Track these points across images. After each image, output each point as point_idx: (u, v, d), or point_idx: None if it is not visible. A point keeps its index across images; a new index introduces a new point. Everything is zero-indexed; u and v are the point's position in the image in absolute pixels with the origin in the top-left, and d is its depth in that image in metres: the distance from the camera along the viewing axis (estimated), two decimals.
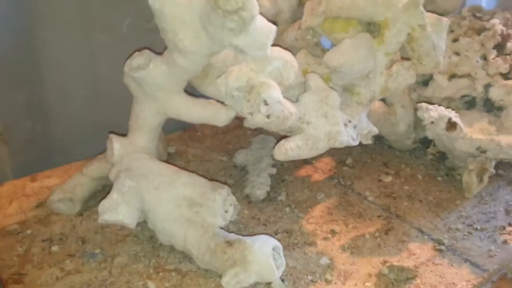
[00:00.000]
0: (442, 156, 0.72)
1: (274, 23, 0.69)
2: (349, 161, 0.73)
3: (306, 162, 0.73)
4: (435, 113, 0.60)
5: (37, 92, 0.68)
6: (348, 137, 0.53)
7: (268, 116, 0.48)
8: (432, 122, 0.60)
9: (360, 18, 0.57)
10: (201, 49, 0.47)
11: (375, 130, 0.61)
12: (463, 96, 0.71)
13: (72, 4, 0.66)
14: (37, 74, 0.67)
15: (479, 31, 0.69)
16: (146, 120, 0.54)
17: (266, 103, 0.47)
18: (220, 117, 0.53)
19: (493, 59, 0.68)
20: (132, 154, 0.53)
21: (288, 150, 0.50)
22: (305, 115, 0.52)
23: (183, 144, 0.77)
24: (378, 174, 0.70)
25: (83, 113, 0.73)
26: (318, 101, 0.54)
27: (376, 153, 0.76)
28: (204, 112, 0.53)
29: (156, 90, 0.52)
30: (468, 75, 0.69)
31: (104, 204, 0.48)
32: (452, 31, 0.71)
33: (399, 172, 0.71)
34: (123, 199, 0.48)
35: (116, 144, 0.54)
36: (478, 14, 0.73)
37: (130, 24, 0.71)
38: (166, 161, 0.58)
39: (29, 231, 0.57)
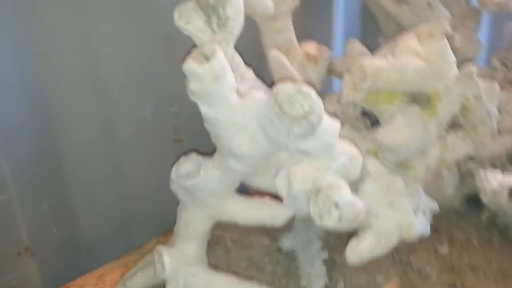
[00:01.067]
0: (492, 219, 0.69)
1: None
2: None
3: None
4: (495, 182, 0.57)
5: (61, 196, 0.63)
6: (421, 225, 0.49)
7: (340, 219, 0.44)
8: (494, 194, 0.57)
9: (408, 91, 0.55)
10: (259, 153, 0.43)
11: (436, 207, 0.57)
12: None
13: (92, 97, 0.62)
14: (60, 179, 0.62)
15: None
16: (197, 227, 0.50)
17: (337, 206, 0.43)
18: (279, 217, 0.49)
19: None
20: (188, 268, 0.49)
21: (362, 252, 0.46)
22: (371, 207, 0.48)
23: (218, 228, 0.73)
24: (432, 243, 0.66)
25: (109, 211, 0.68)
26: (382, 190, 0.50)
27: None
28: (261, 214, 0.49)
29: (208, 196, 0.48)
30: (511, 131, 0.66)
31: None
32: None
33: (453, 239, 0.67)
34: None
35: (167, 258, 0.49)
36: (509, 64, 0.71)
37: (153, 109, 0.67)
38: None
39: None
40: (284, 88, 0.39)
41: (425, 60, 0.53)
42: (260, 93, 0.42)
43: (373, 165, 0.51)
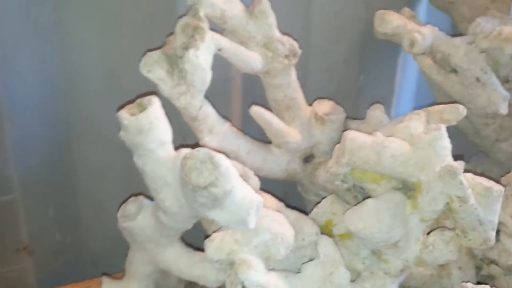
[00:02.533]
0: None
1: (310, 156, 0.64)
2: None
3: None
4: None
5: (69, 204, 0.68)
6: None
7: None
8: None
9: (391, 175, 0.49)
10: (182, 211, 0.43)
11: None
12: None
13: (108, 116, 0.66)
14: (70, 187, 0.68)
15: None
16: (138, 268, 0.51)
17: (243, 286, 0.41)
18: (209, 278, 0.47)
19: None
20: None
21: None
22: None
23: None
24: None
25: (116, 224, 0.72)
26: (322, 277, 0.45)
27: None
28: (193, 271, 0.48)
29: (145, 241, 0.48)
30: None
31: None
32: None
33: None
34: None
35: None
36: None
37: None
38: None
39: None
40: (195, 154, 0.38)
41: (414, 147, 0.47)
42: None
43: (325, 248, 0.47)
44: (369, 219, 0.46)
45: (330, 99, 0.73)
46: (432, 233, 0.48)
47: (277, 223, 0.43)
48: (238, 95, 0.72)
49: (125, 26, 0.61)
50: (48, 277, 0.69)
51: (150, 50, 0.47)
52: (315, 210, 0.54)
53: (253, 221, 0.40)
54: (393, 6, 0.72)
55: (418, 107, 0.75)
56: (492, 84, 0.61)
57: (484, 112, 0.63)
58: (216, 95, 0.65)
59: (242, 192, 0.39)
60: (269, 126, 0.55)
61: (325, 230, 0.53)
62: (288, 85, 0.56)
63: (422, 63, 0.63)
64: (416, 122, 0.51)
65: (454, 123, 0.53)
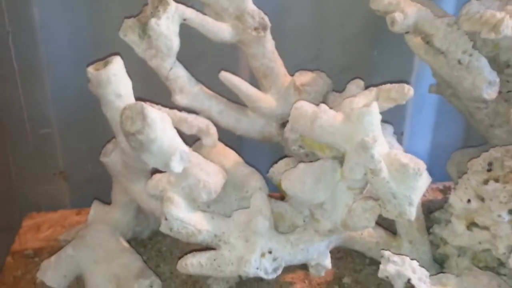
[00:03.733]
0: None
1: (287, 122, 0.69)
2: (346, 279, 0.67)
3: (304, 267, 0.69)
4: (393, 268, 0.50)
5: (100, 140, 0.81)
6: (257, 269, 0.50)
7: (170, 230, 0.50)
8: (386, 277, 0.51)
9: (324, 142, 0.53)
10: (133, 151, 0.52)
11: (328, 265, 0.55)
12: (487, 250, 0.57)
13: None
14: (101, 125, 0.80)
15: None
16: (118, 197, 0.62)
17: (165, 218, 0.49)
18: (159, 210, 0.56)
19: None
20: (96, 224, 0.62)
21: (188, 265, 0.51)
22: (224, 233, 0.52)
23: None
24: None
25: None
26: (245, 222, 0.53)
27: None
28: (151, 203, 0.57)
29: (118, 175, 0.59)
30: (488, 229, 0.55)
31: (43, 264, 0.57)
32: (489, 170, 0.58)
33: None
34: (55, 264, 0.56)
35: (92, 210, 0.63)
36: None
37: None
38: None
39: (36, 259, 0.71)
40: (132, 105, 0.47)
41: (346, 119, 0.51)
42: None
43: (255, 200, 0.53)
44: (294, 180, 0.52)
45: (345, 71, 0.77)
46: (357, 201, 0.52)
47: (205, 172, 0.51)
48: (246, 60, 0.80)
49: None
50: (80, 199, 0.84)
51: (128, 18, 0.56)
52: (271, 169, 0.61)
53: (177, 166, 0.48)
54: None
55: None
56: (478, 68, 0.60)
57: (471, 95, 0.63)
58: (225, 61, 0.73)
59: (169, 141, 0.48)
60: (238, 90, 0.61)
61: (279, 188, 0.60)
62: (263, 55, 0.61)
63: (410, 43, 0.64)
64: (362, 98, 0.55)
65: (402, 102, 0.55)
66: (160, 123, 0.47)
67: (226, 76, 0.60)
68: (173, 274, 0.66)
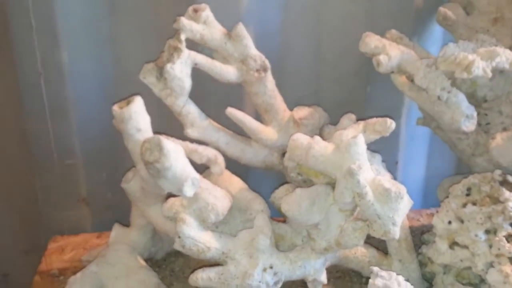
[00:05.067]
0: None
1: (285, 153, 0.77)
2: None
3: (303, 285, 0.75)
4: (381, 282, 0.57)
5: (118, 170, 0.89)
6: (260, 282, 0.57)
7: (182, 247, 0.57)
8: None
9: (318, 171, 0.60)
10: (151, 179, 0.60)
11: (323, 280, 0.62)
12: (468, 268, 0.62)
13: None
14: (120, 157, 0.88)
15: (495, 202, 0.61)
16: (136, 220, 0.69)
17: (179, 237, 0.57)
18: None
19: (502, 236, 0.59)
20: (117, 244, 0.69)
21: (199, 279, 0.57)
22: (230, 251, 0.59)
23: None
24: None
25: None
26: (249, 241, 0.59)
27: None
28: (166, 225, 0.65)
29: (136, 200, 0.67)
30: (467, 248, 0.61)
31: (70, 279, 0.64)
32: (468, 195, 0.64)
33: None
34: (80, 279, 0.63)
35: (113, 232, 0.70)
36: (511, 180, 0.64)
37: None
38: None
39: (61, 278, 0.78)
40: (150, 139, 0.55)
41: (336, 150, 0.58)
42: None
43: (258, 220, 0.60)
44: (292, 203, 0.59)
45: (341, 106, 0.85)
46: (347, 221, 0.59)
47: (213, 196, 0.58)
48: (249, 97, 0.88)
49: (163, 37, 0.79)
50: (100, 224, 0.92)
51: (148, 62, 0.64)
52: (273, 194, 0.68)
53: (189, 191, 0.55)
54: (399, 27, 0.80)
55: None
56: (456, 103, 0.68)
57: (451, 128, 0.70)
58: (231, 99, 0.81)
59: (181, 169, 0.55)
60: (243, 124, 0.69)
61: (280, 211, 0.67)
62: (264, 93, 0.69)
63: (395, 81, 0.71)
64: (351, 130, 0.62)
65: (385, 134, 0.62)
66: (174, 154, 0.54)
67: (231, 112, 0.68)
68: None
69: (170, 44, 0.62)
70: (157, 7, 0.78)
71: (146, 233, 0.71)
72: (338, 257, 0.66)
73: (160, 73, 0.63)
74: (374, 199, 0.55)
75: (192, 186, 0.56)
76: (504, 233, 0.59)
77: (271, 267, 0.58)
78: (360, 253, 0.68)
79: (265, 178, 0.87)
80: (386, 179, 0.57)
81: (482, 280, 0.62)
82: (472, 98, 0.72)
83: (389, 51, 0.69)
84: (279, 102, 0.72)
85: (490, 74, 0.63)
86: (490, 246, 0.60)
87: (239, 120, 0.68)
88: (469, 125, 0.69)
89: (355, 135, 0.57)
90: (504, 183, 0.64)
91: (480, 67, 0.63)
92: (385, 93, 0.89)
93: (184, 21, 0.62)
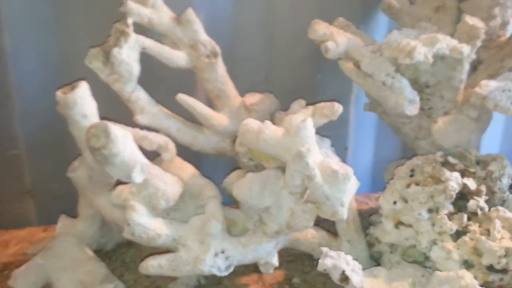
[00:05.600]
0: None
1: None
2: (295, 280, 0.74)
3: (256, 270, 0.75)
4: (330, 261, 0.58)
5: (64, 161, 0.85)
6: (211, 267, 0.57)
7: (132, 234, 0.56)
8: (324, 270, 0.58)
9: (269, 154, 0.61)
10: (98, 166, 0.58)
11: (274, 263, 0.63)
12: (413, 246, 0.65)
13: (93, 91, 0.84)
14: (66, 146, 0.85)
15: (436, 182, 0.64)
16: (83, 210, 0.68)
17: (128, 224, 0.56)
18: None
19: (443, 214, 0.62)
20: (63, 235, 0.67)
21: (149, 266, 0.57)
22: (181, 237, 0.58)
23: None
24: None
25: None
26: (200, 227, 0.59)
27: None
28: (115, 214, 0.63)
29: (83, 189, 0.65)
30: (411, 226, 0.64)
31: (14, 272, 0.62)
32: (411, 176, 0.67)
33: None
34: (25, 272, 0.61)
35: (59, 224, 0.68)
36: (452, 161, 0.67)
37: None
38: None
39: (6, 272, 0.75)
40: (99, 124, 0.54)
41: (286, 134, 0.59)
42: None
43: (209, 206, 0.60)
44: (243, 188, 0.59)
45: (292, 92, 0.86)
46: (297, 204, 0.60)
47: (163, 182, 0.58)
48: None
49: (109, 20, 0.77)
50: (47, 217, 0.88)
51: (93, 47, 0.63)
52: (225, 180, 0.68)
53: (138, 177, 0.55)
54: (346, 15, 0.82)
55: None
56: (399, 88, 0.70)
57: (395, 112, 0.72)
58: (182, 84, 0.81)
59: (130, 155, 0.54)
60: (193, 110, 0.68)
61: (232, 196, 0.67)
62: (215, 79, 0.69)
63: (343, 67, 0.73)
64: (300, 115, 0.63)
65: (333, 118, 0.64)
66: (122, 139, 0.53)
67: (182, 98, 0.67)
68: (136, 282, 0.71)
69: (116, 28, 0.60)
70: None
71: (94, 224, 0.69)
72: (289, 240, 0.67)
73: (107, 57, 0.62)
74: (322, 181, 0.56)
75: (141, 172, 0.55)
76: (445, 211, 0.62)
77: (222, 252, 0.59)
78: (310, 236, 0.69)
79: (218, 165, 0.87)
80: (333, 161, 0.58)
81: (427, 258, 0.65)
82: (415, 84, 0.74)
83: (336, 38, 0.71)
84: (230, 88, 0.71)
85: (431, 60, 0.66)
86: (433, 224, 0.62)
87: (190, 106, 0.68)
88: (412, 109, 0.71)
89: (304, 119, 0.58)
90: (445, 164, 0.67)
91: (422, 53, 0.65)
92: (335, 80, 0.91)
93: (131, 4, 0.61)
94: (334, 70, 0.91)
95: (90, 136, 0.53)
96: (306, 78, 0.91)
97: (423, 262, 0.66)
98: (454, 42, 0.68)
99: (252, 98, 0.74)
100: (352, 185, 0.58)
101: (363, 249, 0.70)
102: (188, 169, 0.67)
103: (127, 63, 0.61)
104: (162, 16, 0.64)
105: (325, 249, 0.60)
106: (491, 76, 0.77)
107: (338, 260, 0.58)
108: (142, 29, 0.65)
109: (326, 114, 0.62)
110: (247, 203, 0.60)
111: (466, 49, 0.68)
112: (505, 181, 0.68)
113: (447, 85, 0.74)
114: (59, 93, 0.57)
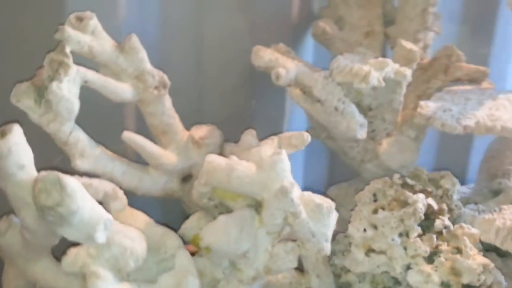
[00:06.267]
0: None
1: (189, 176, 0.69)
2: None
3: None
4: None
5: None
6: None
7: None
8: None
9: (241, 193, 0.55)
10: (41, 228, 0.47)
11: None
12: (385, 273, 0.64)
13: None
14: None
15: (403, 205, 0.64)
16: (11, 282, 0.55)
17: None
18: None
19: (415, 238, 0.62)
20: None
21: None
22: None
23: None
24: None
25: None
26: (174, 285, 0.51)
27: None
28: (59, 282, 0.52)
29: (14, 257, 0.53)
30: (385, 253, 0.63)
31: None
32: (375, 201, 0.66)
33: None
34: None
35: None
36: (410, 182, 0.68)
37: None
38: None
39: None
40: (45, 176, 0.43)
41: (259, 168, 0.54)
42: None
43: (179, 260, 0.53)
44: (218, 233, 0.53)
45: (226, 122, 0.81)
46: (277, 245, 0.55)
47: (128, 238, 0.49)
48: (132, 119, 0.78)
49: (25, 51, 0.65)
50: None
51: (20, 82, 0.52)
52: (183, 226, 0.60)
53: (102, 236, 0.45)
54: (277, 39, 0.80)
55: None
56: (350, 113, 0.70)
57: (346, 136, 0.72)
58: (110, 120, 0.71)
59: (90, 211, 0.45)
60: (142, 149, 0.60)
61: (194, 244, 0.59)
62: (162, 112, 0.62)
63: (291, 94, 0.71)
64: (267, 147, 0.59)
65: (301, 148, 0.61)
66: (80, 192, 0.44)
67: (129, 136, 0.59)
68: None
69: (52, 58, 0.50)
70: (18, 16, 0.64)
71: None
72: (262, 285, 0.61)
73: (39, 94, 0.51)
74: (307, 217, 0.52)
75: (105, 231, 0.45)
76: (415, 234, 0.62)
77: None
78: (280, 276, 0.64)
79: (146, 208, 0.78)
80: (313, 194, 0.54)
81: (397, 282, 0.64)
82: (359, 107, 0.74)
83: (286, 64, 0.68)
84: (177, 122, 0.64)
85: (383, 83, 0.66)
86: (405, 248, 0.62)
87: (137, 144, 0.59)
88: (362, 133, 0.71)
89: (277, 151, 0.54)
90: (404, 185, 0.67)
91: (375, 77, 0.65)
92: (269, 107, 0.89)
93: (69, 30, 0.51)
94: (267, 96, 0.90)
95: (38, 193, 0.42)
96: (239, 106, 0.87)
97: (393, 287, 0.65)
98: (396, 65, 0.70)
99: (200, 131, 0.67)
100: (333, 218, 0.55)
101: (331, 283, 0.67)
102: (140, 218, 0.58)
103: (67, 100, 0.51)
104: (104, 44, 0.55)
105: None
106: (420, 97, 0.81)
107: None
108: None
109: (295, 144, 0.59)
110: (223, 250, 0.53)
111: (408, 72, 0.70)
112: (456, 197, 0.70)
113: (388, 107, 0.76)
114: None
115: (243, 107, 0.87)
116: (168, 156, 0.63)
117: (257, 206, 0.56)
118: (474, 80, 0.84)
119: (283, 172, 0.53)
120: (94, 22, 0.54)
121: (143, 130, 0.69)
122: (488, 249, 0.68)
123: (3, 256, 0.54)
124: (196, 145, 0.66)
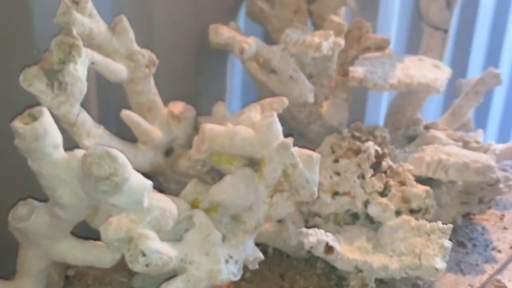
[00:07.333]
0: (332, 267, 0.77)
1: (170, 149, 0.74)
2: (247, 274, 0.76)
3: None
4: (314, 238, 0.65)
5: None
6: (228, 274, 0.57)
7: (147, 265, 0.51)
8: (311, 247, 0.65)
9: (241, 155, 0.63)
10: (80, 203, 0.50)
11: (261, 256, 0.65)
12: (347, 211, 0.77)
13: None
14: None
15: (356, 153, 0.77)
16: (32, 265, 0.55)
17: (143, 254, 0.50)
18: (105, 260, 0.55)
19: (370, 178, 0.76)
20: None
21: None
22: (187, 255, 0.55)
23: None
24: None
25: None
26: (200, 240, 0.57)
27: (274, 264, 0.79)
28: (88, 257, 0.55)
29: (40, 238, 0.54)
30: (348, 193, 0.76)
31: None
32: (333, 152, 0.78)
33: (293, 285, 0.75)
34: None
35: None
36: (357, 134, 0.81)
37: None
38: None
39: None
40: (95, 151, 0.46)
41: (256, 131, 0.62)
42: (81, 152, 0.49)
43: (198, 218, 0.59)
44: (229, 190, 0.59)
45: (175, 100, 0.85)
46: (274, 196, 0.64)
47: (163, 201, 0.53)
48: (94, 102, 0.79)
49: None
50: None
51: (28, 67, 0.52)
52: (182, 192, 0.65)
53: (147, 201, 0.49)
54: (217, 19, 0.87)
55: (245, 103, 0.91)
56: (302, 80, 0.80)
57: (298, 102, 0.82)
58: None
59: (136, 178, 0.49)
60: (137, 126, 0.64)
61: (194, 207, 0.65)
62: (148, 90, 0.66)
63: (250, 67, 0.79)
64: (254, 113, 0.66)
65: (280, 111, 0.70)
66: (127, 161, 0.47)
67: (127, 114, 0.61)
68: None
69: (62, 41, 0.51)
70: None
71: (43, 279, 0.57)
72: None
73: (49, 77, 0.52)
74: (303, 166, 0.62)
75: (148, 196, 0.49)
76: (369, 175, 0.75)
77: (230, 257, 0.58)
78: (267, 226, 0.73)
79: None
80: (296, 148, 0.63)
81: (356, 217, 0.77)
82: None
83: (246, 40, 0.76)
84: (159, 99, 0.68)
85: (331, 52, 0.78)
86: (363, 187, 0.75)
87: (134, 122, 0.62)
88: (311, 97, 0.82)
89: (269, 114, 0.62)
90: (353, 137, 0.80)
91: (326, 47, 0.76)
92: (213, 84, 0.95)
93: (75, 13, 0.52)
94: (212, 74, 0.96)
95: (90, 165, 0.45)
96: (187, 84, 0.92)
97: (352, 222, 0.78)
98: (333, 37, 0.82)
99: (177, 107, 0.72)
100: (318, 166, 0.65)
101: (302, 227, 0.77)
102: None
103: (82, 81, 0.52)
104: (100, 26, 0.57)
105: (304, 230, 0.65)
106: (342, 65, 0.94)
107: (318, 235, 0.65)
108: None
109: (276, 108, 0.67)
110: (234, 205, 0.60)
111: (342, 41, 0.83)
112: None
113: (325, 74, 0.88)
114: (20, 124, 0.46)
115: (191, 85, 0.92)
116: (156, 132, 0.67)
117: (252, 165, 0.63)
118: (380, 48, 1.00)
119: (277, 132, 0.61)
120: (90, 4, 0.56)
121: None
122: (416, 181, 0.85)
123: (22, 240, 0.54)
124: (176, 120, 0.71)
